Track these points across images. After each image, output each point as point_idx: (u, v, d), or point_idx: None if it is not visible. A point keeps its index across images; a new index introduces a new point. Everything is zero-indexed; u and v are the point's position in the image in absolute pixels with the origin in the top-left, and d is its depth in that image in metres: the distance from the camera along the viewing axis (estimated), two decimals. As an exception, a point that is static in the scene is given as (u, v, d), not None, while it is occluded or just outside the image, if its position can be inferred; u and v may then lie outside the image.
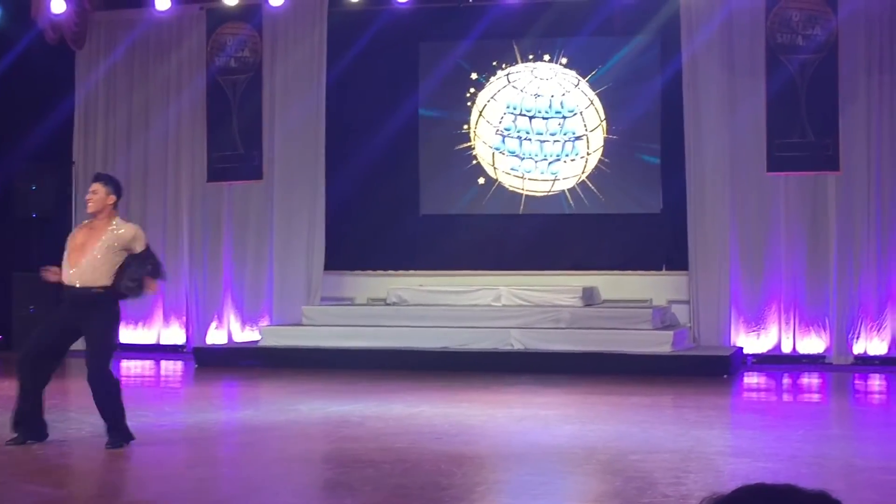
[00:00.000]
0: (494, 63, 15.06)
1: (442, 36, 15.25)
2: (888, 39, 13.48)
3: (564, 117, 14.82)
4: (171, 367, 14.41)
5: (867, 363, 13.32)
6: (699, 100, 13.93)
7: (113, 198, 8.05)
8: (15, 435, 7.91)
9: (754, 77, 13.72)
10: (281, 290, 15.07)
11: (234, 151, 15.39)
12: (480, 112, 15.09)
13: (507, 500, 6.64)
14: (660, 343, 12.98)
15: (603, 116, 14.71)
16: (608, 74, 14.65)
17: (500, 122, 15.01)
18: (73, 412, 9.46)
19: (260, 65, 15.34)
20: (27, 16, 15.30)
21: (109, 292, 7.86)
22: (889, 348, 13.34)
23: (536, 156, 14.88)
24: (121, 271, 7.90)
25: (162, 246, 15.58)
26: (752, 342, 13.67)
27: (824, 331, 13.52)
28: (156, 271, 8.12)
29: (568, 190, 14.81)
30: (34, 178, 15.49)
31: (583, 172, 14.76)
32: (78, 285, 7.82)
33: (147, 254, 8.05)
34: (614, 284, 14.40)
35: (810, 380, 12.76)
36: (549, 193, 14.87)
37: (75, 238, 8.05)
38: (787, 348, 13.61)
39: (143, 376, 14.05)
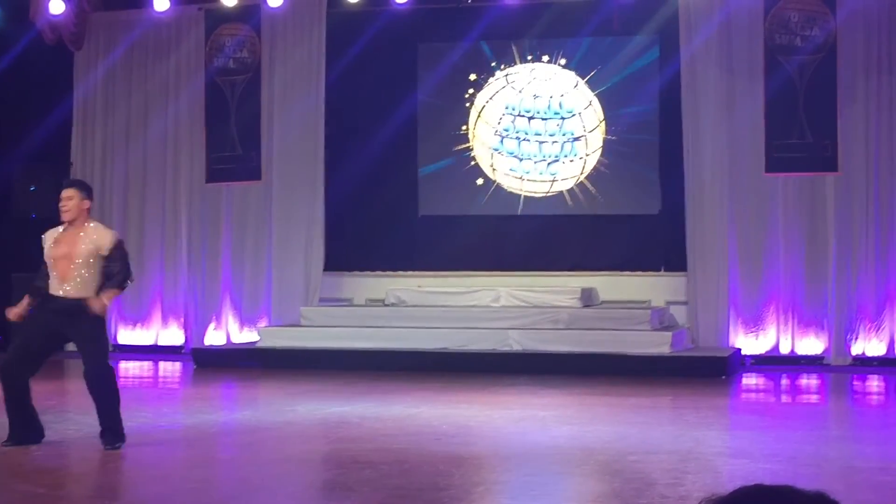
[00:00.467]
0: (493, 64, 15.06)
1: (441, 37, 15.25)
2: (886, 40, 13.48)
3: (563, 118, 14.82)
4: (169, 368, 14.40)
5: (866, 364, 13.32)
6: (698, 101, 13.93)
7: (87, 202, 8.01)
8: (9, 437, 7.90)
9: (753, 78, 13.72)
10: (279, 291, 15.07)
11: (233, 152, 15.39)
12: (479, 113, 15.09)
13: (505, 500, 6.63)
14: (658, 344, 12.98)
15: (602, 117, 14.71)
16: (607, 75, 14.65)
17: (499, 123, 15.01)
18: (71, 412, 9.45)
19: (258, 66, 15.33)
20: (25, 16, 15.31)
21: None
22: (887, 349, 13.34)
23: (535, 156, 14.88)
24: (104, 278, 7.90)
25: (161, 247, 15.62)
26: (751, 343, 13.67)
27: (823, 332, 13.52)
28: (120, 281, 7.99)
29: (567, 191, 14.81)
30: (33, 179, 15.48)
31: (581, 173, 14.76)
32: (69, 297, 7.79)
33: (118, 259, 7.92)
34: (613, 285, 14.40)
35: (809, 381, 12.76)
36: (548, 194, 14.87)
37: (58, 247, 7.93)
38: (785, 349, 13.61)
39: (142, 377, 14.05)
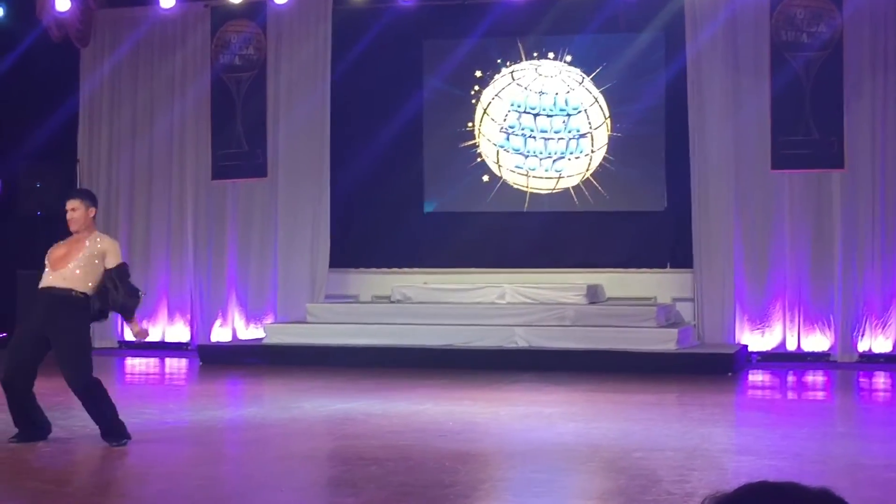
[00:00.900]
0: (499, 61, 15.05)
1: (446, 34, 15.24)
2: (893, 36, 13.45)
3: (569, 115, 14.81)
4: (175, 365, 14.42)
5: (872, 361, 13.31)
6: (703, 97, 13.92)
7: (93, 210, 8.01)
8: (16, 434, 7.91)
9: (759, 75, 13.70)
10: (285, 288, 15.08)
11: (239, 149, 15.40)
12: (485, 110, 15.08)
13: (510, 497, 6.64)
14: (664, 341, 12.97)
15: (607, 114, 14.70)
16: (612, 72, 14.63)
17: (505, 120, 15.00)
18: (76, 409, 9.44)
19: (264, 62, 15.33)
20: (32, 14, 15.33)
21: (84, 299, 7.81)
22: (894, 346, 13.32)
23: (541, 153, 14.87)
24: (101, 293, 7.85)
25: (167, 243, 15.64)
26: (757, 340, 13.66)
27: (829, 328, 13.51)
28: (130, 308, 7.97)
29: (572, 188, 14.80)
30: (39, 176, 15.48)
31: (587, 170, 14.75)
32: (56, 286, 7.76)
33: (118, 279, 7.87)
34: (619, 282, 14.39)
35: (815, 377, 12.74)
36: (554, 191, 14.87)
37: (56, 250, 7.95)
38: (791, 346, 13.59)
39: (148, 374, 14.08)
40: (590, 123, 14.75)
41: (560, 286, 14.04)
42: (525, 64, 14.96)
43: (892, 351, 13.31)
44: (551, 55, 14.89)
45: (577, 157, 14.78)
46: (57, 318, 7.73)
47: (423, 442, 8.10)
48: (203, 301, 15.44)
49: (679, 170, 14.13)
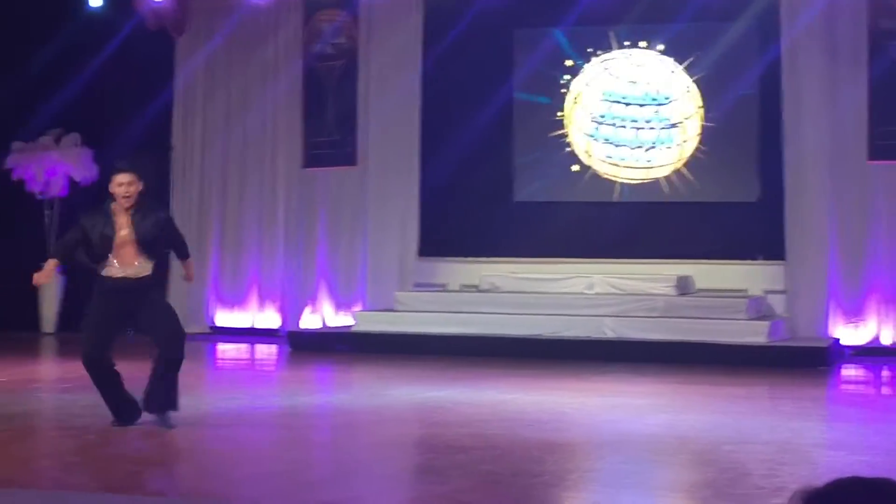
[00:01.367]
0: (590, 50, 14.96)
1: (537, 23, 15.19)
2: None
3: (661, 104, 14.68)
4: (265, 351, 14.60)
5: (970, 357, 13.03)
6: (799, 87, 13.69)
7: (142, 184, 7.91)
8: (115, 419, 8.05)
9: (856, 63, 13.44)
10: (374, 276, 15.17)
11: (330, 137, 15.52)
12: (575, 99, 15.01)
13: (599, 488, 6.62)
14: (755, 333, 12.82)
15: (700, 103, 14.54)
16: (706, 61, 14.46)
17: (596, 110, 14.91)
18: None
19: (356, 51, 15.42)
20: (129, 3, 15.61)
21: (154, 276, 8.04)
22: None
23: (632, 143, 14.76)
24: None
25: (258, 231, 15.83)
26: (850, 334, 13.43)
27: (926, 323, 13.24)
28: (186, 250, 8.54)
29: (664, 178, 14.68)
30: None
31: (679, 160, 14.62)
32: (133, 276, 7.82)
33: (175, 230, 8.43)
34: (709, 274, 14.24)
35: (910, 373, 12.51)
36: (645, 181, 14.75)
37: (119, 233, 7.84)
38: (886, 340, 13.34)
39: (238, 359, 14.27)
40: (682, 113, 14.60)
41: (650, 277, 13.94)
42: (616, 53, 14.85)
43: None
44: (643, 44, 14.77)
45: (668, 147, 14.64)
46: (145, 296, 7.85)
47: (511, 431, 8.11)
48: (293, 288, 15.59)
49: (772, 160, 13.92)
